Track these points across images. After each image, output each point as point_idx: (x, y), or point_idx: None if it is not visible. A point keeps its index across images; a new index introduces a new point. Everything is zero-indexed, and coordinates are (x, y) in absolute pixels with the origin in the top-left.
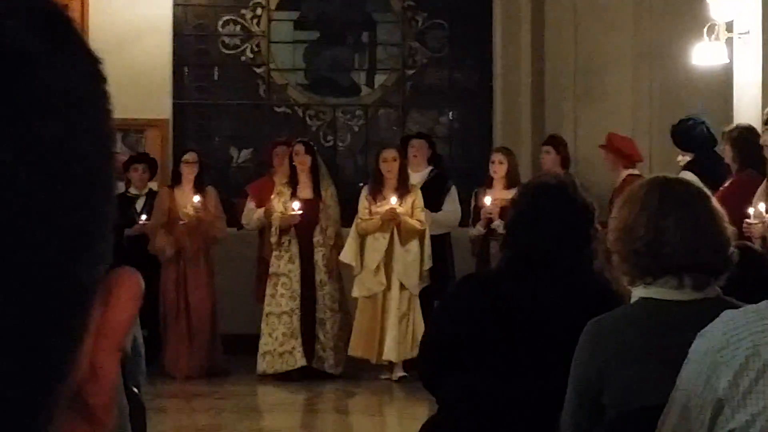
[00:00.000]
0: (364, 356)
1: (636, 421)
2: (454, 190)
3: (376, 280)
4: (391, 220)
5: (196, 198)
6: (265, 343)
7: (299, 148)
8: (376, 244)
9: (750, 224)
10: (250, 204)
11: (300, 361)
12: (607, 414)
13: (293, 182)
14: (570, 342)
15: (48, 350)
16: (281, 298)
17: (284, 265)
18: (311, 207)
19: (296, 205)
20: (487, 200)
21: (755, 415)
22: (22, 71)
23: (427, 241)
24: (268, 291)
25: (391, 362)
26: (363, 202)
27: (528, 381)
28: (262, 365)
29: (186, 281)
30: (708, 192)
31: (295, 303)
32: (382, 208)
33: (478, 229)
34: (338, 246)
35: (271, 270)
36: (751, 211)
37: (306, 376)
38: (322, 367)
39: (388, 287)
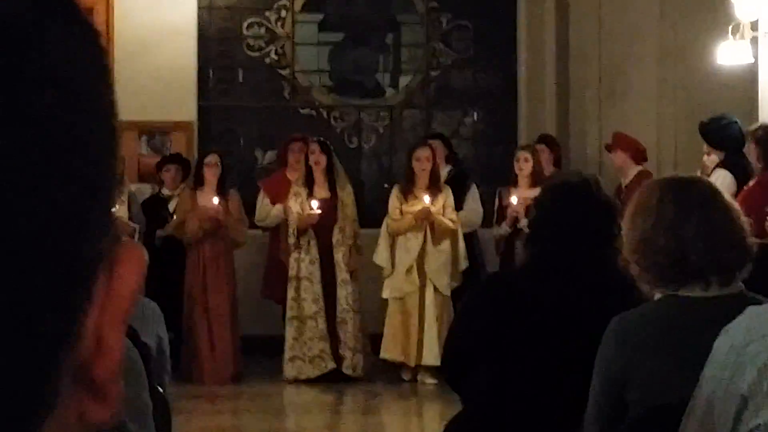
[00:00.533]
0: (398, 359)
1: (661, 418)
2: (474, 189)
3: (409, 280)
4: (425, 219)
5: (215, 200)
6: (291, 348)
7: (315, 147)
8: (409, 245)
9: None
10: (265, 200)
11: (330, 364)
12: (631, 410)
13: (309, 182)
14: (594, 339)
15: (50, 324)
16: (304, 302)
17: (305, 267)
18: (328, 206)
19: (315, 204)
20: (514, 199)
21: None
22: (14, 40)
23: (461, 241)
24: (290, 294)
25: (417, 366)
26: (394, 202)
27: (552, 378)
28: (292, 371)
29: (206, 286)
30: (718, 188)
31: (319, 305)
32: (414, 207)
33: (504, 228)
34: (356, 245)
35: (291, 273)
36: None
37: (325, 379)
38: (341, 369)
39: (423, 288)
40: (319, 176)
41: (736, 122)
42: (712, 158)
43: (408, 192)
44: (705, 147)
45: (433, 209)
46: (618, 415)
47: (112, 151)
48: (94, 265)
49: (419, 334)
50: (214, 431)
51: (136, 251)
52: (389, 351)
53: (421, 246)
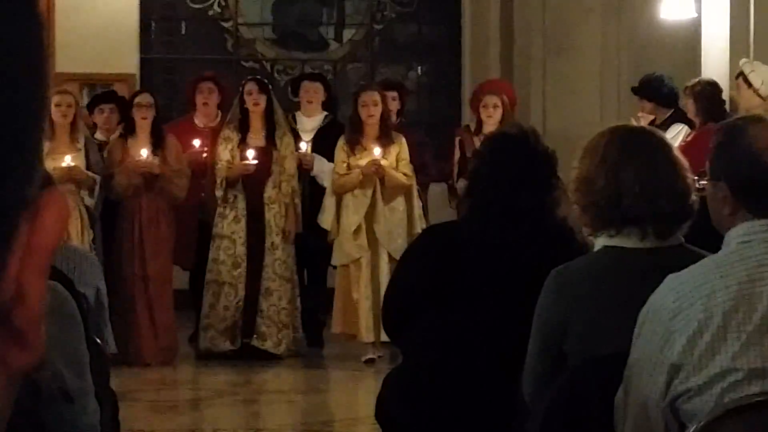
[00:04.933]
0: (348, 332)
1: (597, 369)
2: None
3: (356, 244)
4: (375, 173)
5: (144, 151)
6: (206, 316)
7: (252, 86)
8: (356, 203)
9: None
10: None
11: (239, 340)
12: (570, 361)
13: (243, 127)
14: (534, 289)
15: None
16: (222, 266)
17: (227, 225)
18: (263, 157)
19: (251, 153)
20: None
21: (715, 375)
22: None
23: (416, 198)
24: (211, 255)
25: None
26: (340, 154)
27: (492, 328)
28: (205, 342)
29: (143, 250)
30: (669, 141)
31: (239, 271)
32: (362, 160)
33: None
34: (294, 205)
35: (215, 230)
36: None
37: (240, 356)
38: (262, 345)
39: (375, 254)
40: (256, 121)
41: (669, 78)
42: (646, 117)
43: (355, 143)
44: (641, 107)
45: (384, 163)
46: (557, 366)
47: (38, 98)
48: (16, 213)
49: (375, 309)
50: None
51: (59, 199)
52: (337, 325)
53: (370, 204)
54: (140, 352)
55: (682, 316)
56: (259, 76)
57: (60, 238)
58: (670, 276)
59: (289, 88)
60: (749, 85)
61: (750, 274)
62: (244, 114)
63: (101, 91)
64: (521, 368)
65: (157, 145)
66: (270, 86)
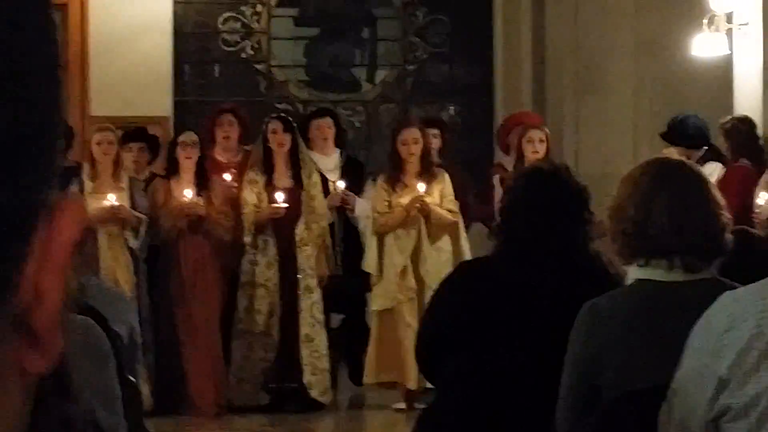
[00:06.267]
0: (393, 380)
1: (633, 404)
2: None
3: (403, 285)
4: (420, 211)
5: (189, 192)
6: (240, 369)
7: (277, 125)
8: (401, 243)
9: (757, 212)
10: None
11: (288, 389)
12: (603, 396)
13: (268, 168)
14: (566, 324)
15: None
16: (258, 314)
17: (261, 272)
18: (292, 198)
19: (280, 196)
20: None
21: (759, 393)
22: None
23: (464, 236)
24: (241, 304)
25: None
26: (380, 193)
27: (526, 365)
28: (241, 397)
29: (191, 297)
30: (706, 177)
31: (274, 318)
32: (404, 198)
33: None
34: (326, 247)
35: (244, 278)
36: (759, 200)
37: (275, 408)
38: (308, 394)
39: (420, 294)
40: (281, 160)
41: (696, 116)
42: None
43: (396, 180)
44: (666, 152)
45: (428, 199)
46: (590, 401)
47: (56, 101)
48: (34, 215)
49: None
50: None
51: (76, 203)
52: (375, 374)
53: (415, 244)
54: (188, 400)
55: (735, 331)
56: (283, 114)
57: (77, 239)
58: (727, 292)
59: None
60: None
61: None
62: (268, 154)
63: (132, 128)
64: (555, 406)
65: (202, 185)
66: (294, 124)
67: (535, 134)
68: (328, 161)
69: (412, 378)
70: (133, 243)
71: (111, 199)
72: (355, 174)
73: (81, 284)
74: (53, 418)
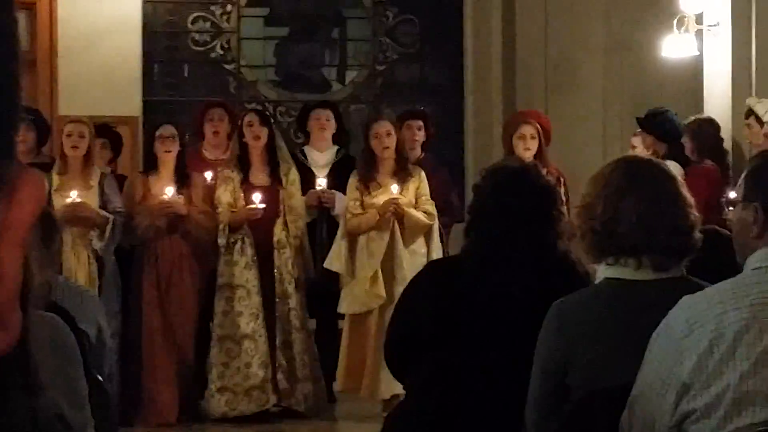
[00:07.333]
0: (353, 391)
1: (602, 402)
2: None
3: (373, 291)
4: (393, 214)
5: (170, 189)
6: (220, 377)
7: (253, 117)
8: (373, 246)
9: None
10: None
11: (272, 398)
12: (572, 394)
13: (243, 164)
14: (536, 323)
15: None
16: (240, 318)
17: (239, 273)
18: (269, 197)
19: (257, 197)
20: None
21: (719, 394)
22: None
23: (437, 238)
24: (219, 308)
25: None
26: (353, 192)
27: (496, 363)
28: (220, 406)
29: (169, 298)
30: (675, 175)
31: (258, 322)
32: (378, 198)
33: None
34: (303, 248)
35: (222, 280)
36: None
37: (260, 418)
38: (288, 403)
39: (390, 301)
40: (257, 156)
41: (674, 114)
42: (641, 151)
43: (369, 179)
44: (635, 140)
45: (403, 201)
46: (559, 399)
47: (11, 76)
48: None
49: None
50: None
51: (35, 177)
52: (345, 382)
53: (387, 247)
54: (158, 408)
55: (695, 335)
56: (260, 108)
57: (36, 214)
58: (685, 297)
59: (297, 124)
60: (760, 121)
61: (764, 297)
62: (244, 149)
63: (96, 124)
64: (524, 403)
65: (182, 182)
66: (272, 119)
67: (526, 130)
68: (320, 157)
69: (377, 389)
70: (97, 244)
71: (72, 196)
72: (349, 172)
73: (48, 282)
74: (19, 412)
